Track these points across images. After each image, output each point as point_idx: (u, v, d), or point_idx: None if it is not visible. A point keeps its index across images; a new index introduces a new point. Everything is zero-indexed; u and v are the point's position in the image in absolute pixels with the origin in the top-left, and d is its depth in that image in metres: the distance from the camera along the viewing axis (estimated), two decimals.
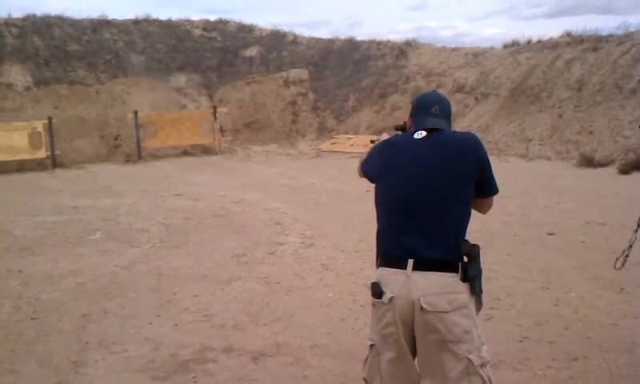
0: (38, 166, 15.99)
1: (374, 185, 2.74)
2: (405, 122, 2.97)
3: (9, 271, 6.63)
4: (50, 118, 16.31)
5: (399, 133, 2.99)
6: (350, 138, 18.51)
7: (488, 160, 2.55)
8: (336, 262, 6.62)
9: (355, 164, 3.04)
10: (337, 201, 10.20)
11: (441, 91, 2.79)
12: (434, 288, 2.38)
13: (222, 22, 24.15)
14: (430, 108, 2.66)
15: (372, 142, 3.29)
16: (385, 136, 3.04)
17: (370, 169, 2.77)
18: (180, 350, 4.42)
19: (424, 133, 2.57)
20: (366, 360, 2.61)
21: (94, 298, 5.67)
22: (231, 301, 5.48)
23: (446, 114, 2.68)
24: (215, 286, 5.92)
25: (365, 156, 2.88)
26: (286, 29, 24.24)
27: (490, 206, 2.69)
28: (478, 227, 7.30)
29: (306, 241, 7.59)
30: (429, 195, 2.46)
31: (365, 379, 2.62)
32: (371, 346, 2.57)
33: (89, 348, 4.51)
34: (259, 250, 7.22)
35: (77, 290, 5.91)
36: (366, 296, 5.41)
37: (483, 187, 2.56)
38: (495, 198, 2.65)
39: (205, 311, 5.22)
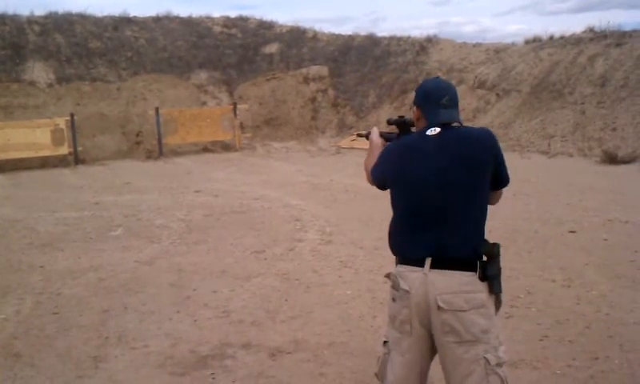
0: (60, 162, 16.13)
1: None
2: (400, 117, 2.96)
3: (31, 266, 6.71)
4: (72, 115, 16.43)
5: (393, 127, 2.95)
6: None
7: (502, 153, 2.51)
8: (355, 259, 6.61)
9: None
10: (356, 198, 10.18)
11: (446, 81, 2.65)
12: (451, 286, 2.36)
13: (242, 19, 24.19)
14: (440, 99, 2.56)
15: (359, 135, 3.27)
16: (375, 130, 3.02)
17: (383, 175, 2.68)
18: (199, 345, 4.45)
19: (437, 129, 2.50)
20: (379, 357, 2.62)
21: (115, 293, 5.72)
22: (250, 297, 5.50)
23: (456, 102, 2.60)
24: (234, 282, 5.95)
25: (374, 160, 2.78)
26: (306, 25, 24.28)
27: (500, 197, 2.65)
28: (499, 224, 7.25)
29: (325, 238, 7.59)
30: (447, 194, 2.42)
31: (376, 375, 2.63)
32: (385, 342, 2.58)
33: (109, 343, 4.56)
34: (278, 246, 7.23)
35: (97, 286, 5.97)
36: (385, 293, 5.40)
37: (497, 180, 2.52)
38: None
39: (224, 307, 5.25)
